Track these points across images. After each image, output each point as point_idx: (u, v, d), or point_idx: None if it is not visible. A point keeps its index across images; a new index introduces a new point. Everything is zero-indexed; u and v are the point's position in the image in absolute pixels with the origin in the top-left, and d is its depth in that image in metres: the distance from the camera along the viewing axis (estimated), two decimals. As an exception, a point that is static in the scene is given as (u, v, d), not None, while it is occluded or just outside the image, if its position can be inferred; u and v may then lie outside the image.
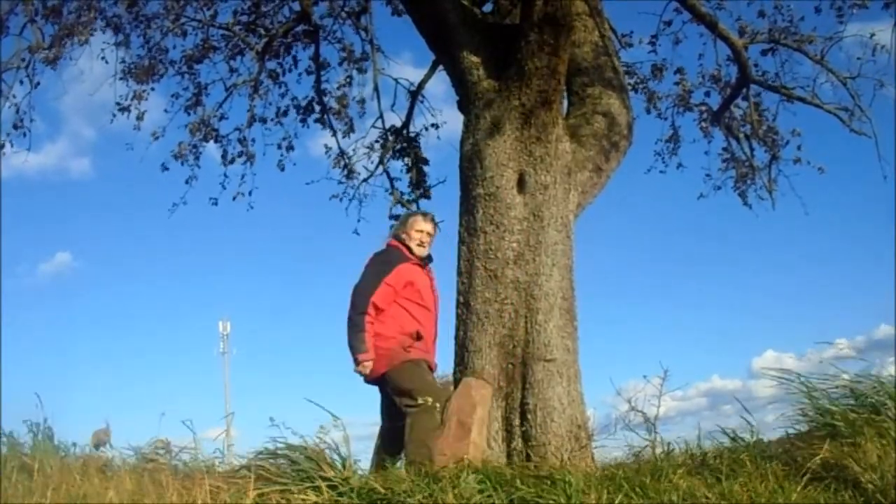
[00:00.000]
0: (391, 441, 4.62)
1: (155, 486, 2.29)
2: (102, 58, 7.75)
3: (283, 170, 8.67)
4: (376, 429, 4.81)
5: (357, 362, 4.65)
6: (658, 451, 3.76)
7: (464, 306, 5.06)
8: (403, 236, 5.01)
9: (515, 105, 5.17)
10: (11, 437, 3.17)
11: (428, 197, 8.31)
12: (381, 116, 8.55)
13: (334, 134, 8.58)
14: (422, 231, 5.02)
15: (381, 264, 4.90)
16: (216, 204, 8.47)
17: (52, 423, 3.50)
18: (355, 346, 4.66)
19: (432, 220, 5.15)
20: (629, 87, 6.96)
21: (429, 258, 5.11)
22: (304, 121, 8.60)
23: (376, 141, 8.68)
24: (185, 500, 2.24)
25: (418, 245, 4.98)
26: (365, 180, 8.75)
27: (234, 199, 8.52)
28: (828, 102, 7.68)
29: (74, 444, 3.53)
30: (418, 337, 4.79)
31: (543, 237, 5.01)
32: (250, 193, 8.53)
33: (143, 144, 8.14)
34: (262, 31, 8.10)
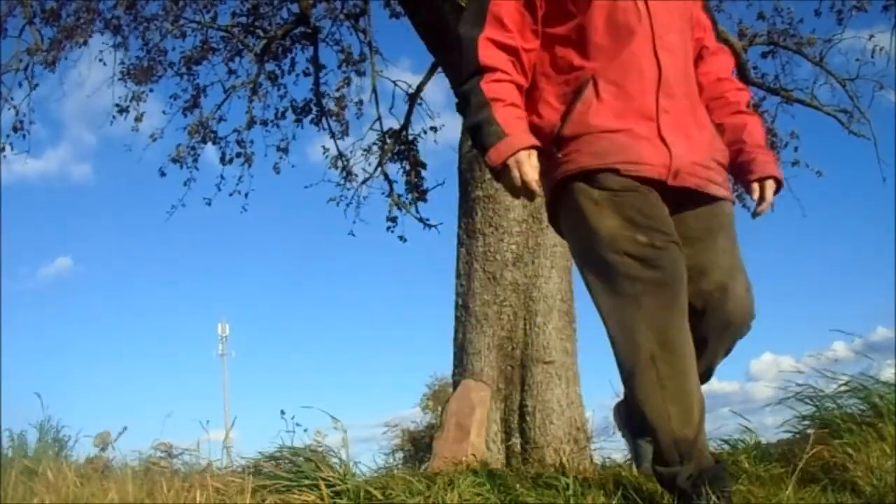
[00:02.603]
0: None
1: (155, 488, 2.30)
2: (100, 60, 7.79)
3: (278, 173, 8.68)
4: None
5: (493, 170, 2.10)
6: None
7: (462, 308, 5.08)
8: None
9: (514, 107, 5.18)
10: (21, 435, 3.18)
11: (425, 200, 8.34)
12: (379, 119, 8.56)
13: (332, 136, 8.61)
14: None
15: None
16: (209, 204, 8.46)
17: (55, 425, 3.50)
18: (479, 132, 2.11)
19: None
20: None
21: None
22: (299, 121, 8.61)
23: (374, 143, 8.70)
24: (184, 501, 2.25)
25: None
26: (363, 182, 8.76)
27: (230, 195, 8.50)
28: (827, 104, 7.71)
29: (77, 440, 3.54)
30: (592, 93, 2.11)
31: (542, 239, 5.03)
32: (247, 195, 8.55)
33: (142, 146, 8.18)
34: (261, 33, 8.12)
